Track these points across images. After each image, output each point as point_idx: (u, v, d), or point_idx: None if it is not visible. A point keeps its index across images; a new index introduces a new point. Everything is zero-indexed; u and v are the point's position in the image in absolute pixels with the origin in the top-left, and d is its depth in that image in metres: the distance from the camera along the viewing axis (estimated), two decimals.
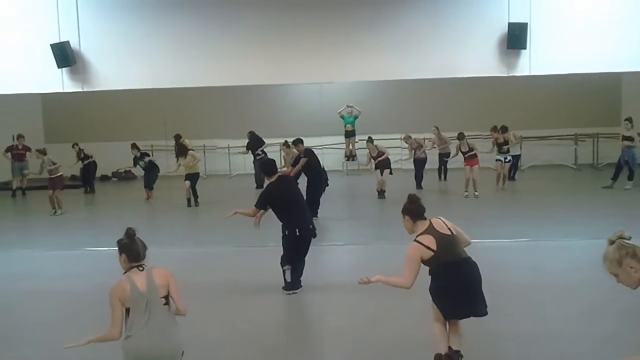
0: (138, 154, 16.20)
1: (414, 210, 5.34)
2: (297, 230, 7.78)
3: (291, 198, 7.91)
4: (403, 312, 7.08)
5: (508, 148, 15.98)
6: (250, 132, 17.90)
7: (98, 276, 8.69)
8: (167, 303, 4.46)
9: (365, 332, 6.64)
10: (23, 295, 8.43)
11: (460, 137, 15.28)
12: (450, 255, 5.14)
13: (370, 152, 15.62)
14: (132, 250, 4.47)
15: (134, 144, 16.33)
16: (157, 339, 4.33)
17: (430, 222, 5.29)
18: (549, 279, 8.22)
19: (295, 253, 7.89)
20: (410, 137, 16.90)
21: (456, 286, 5.12)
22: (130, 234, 4.51)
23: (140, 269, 4.45)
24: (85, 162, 18.28)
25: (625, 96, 20.07)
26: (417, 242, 5.19)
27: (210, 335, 6.61)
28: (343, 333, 6.67)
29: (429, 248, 5.12)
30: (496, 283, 7.64)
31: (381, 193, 15.21)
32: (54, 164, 14.56)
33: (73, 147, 18.32)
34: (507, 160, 16.01)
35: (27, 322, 7.37)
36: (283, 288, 7.94)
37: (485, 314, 5.27)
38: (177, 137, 16.93)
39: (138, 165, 16.33)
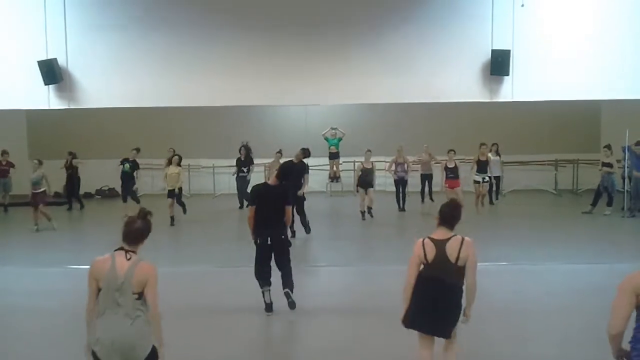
0: (130, 158, 16.35)
1: (443, 213, 5.19)
2: (256, 237, 7.91)
3: (266, 202, 7.86)
4: (386, 335, 7.10)
5: (487, 168, 16.24)
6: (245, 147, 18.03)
7: (76, 294, 8.61)
8: (139, 299, 4.37)
9: (347, 355, 6.66)
10: None
11: (450, 152, 15.52)
12: (436, 273, 5.00)
13: (364, 162, 15.91)
14: (125, 229, 4.47)
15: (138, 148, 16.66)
16: (121, 332, 4.27)
17: (451, 238, 5.07)
18: (529, 303, 8.30)
19: (255, 260, 7.96)
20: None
21: (424, 300, 5.01)
22: (141, 214, 4.51)
23: (128, 256, 4.40)
24: (69, 171, 18.22)
25: (605, 123, 20.39)
26: (423, 240, 5.10)
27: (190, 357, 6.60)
28: (324, 355, 6.68)
29: (425, 255, 5.02)
30: (475, 306, 7.72)
31: (364, 214, 15.33)
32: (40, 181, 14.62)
33: (69, 154, 18.32)
34: (485, 180, 16.22)
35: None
36: (265, 309, 7.91)
37: (445, 336, 5.15)
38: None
39: (123, 165, 16.32)
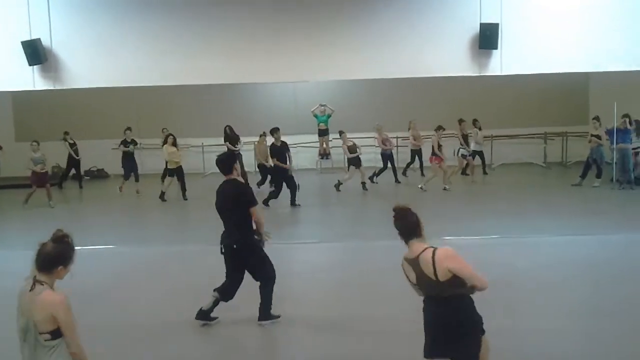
0: (129, 139, 16.69)
1: (396, 227, 4.35)
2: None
3: (220, 206, 6.66)
4: (381, 319, 7.11)
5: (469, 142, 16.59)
6: (228, 126, 17.88)
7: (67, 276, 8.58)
8: (54, 338, 3.54)
9: (337, 337, 6.67)
10: None
11: (439, 129, 15.61)
12: (427, 291, 4.30)
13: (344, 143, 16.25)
14: (37, 252, 3.64)
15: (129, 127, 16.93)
16: None
17: (422, 253, 4.19)
18: (520, 276, 8.34)
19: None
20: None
21: (429, 324, 4.36)
22: (56, 236, 3.69)
23: (32, 287, 3.54)
24: (74, 148, 18.26)
25: (593, 96, 20.47)
26: (402, 261, 4.36)
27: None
28: (312, 335, 6.70)
29: (408, 278, 4.34)
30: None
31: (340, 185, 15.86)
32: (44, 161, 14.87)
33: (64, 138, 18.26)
34: (469, 153, 16.47)
35: None
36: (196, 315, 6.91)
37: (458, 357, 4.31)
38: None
39: (127, 147, 16.58)
